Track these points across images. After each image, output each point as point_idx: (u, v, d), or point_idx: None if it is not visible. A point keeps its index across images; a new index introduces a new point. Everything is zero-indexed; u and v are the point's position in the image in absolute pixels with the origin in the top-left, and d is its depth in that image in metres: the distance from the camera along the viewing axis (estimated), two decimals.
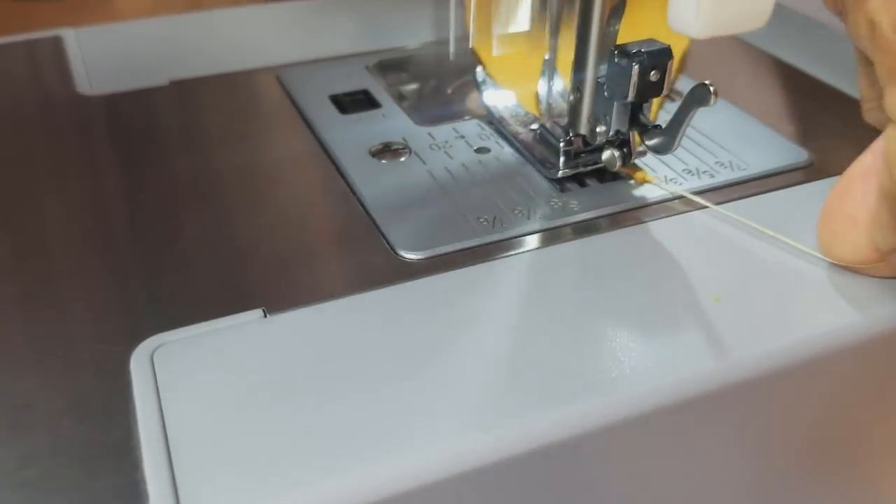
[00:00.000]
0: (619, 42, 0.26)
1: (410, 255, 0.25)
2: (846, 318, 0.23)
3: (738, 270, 0.24)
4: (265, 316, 0.23)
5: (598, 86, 0.26)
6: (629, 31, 0.26)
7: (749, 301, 0.23)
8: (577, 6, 0.26)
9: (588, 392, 0.20)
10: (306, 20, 0.42)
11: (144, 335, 0.22)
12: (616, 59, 0.25)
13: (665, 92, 0.25)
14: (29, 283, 0.25)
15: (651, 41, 0.25)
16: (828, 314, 0.23)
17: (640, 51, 0.24)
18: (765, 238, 0.25)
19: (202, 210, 0.28)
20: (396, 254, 0.25)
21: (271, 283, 0.24)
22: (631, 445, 0.21)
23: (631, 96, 0.25)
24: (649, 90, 0.25)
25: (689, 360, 0.21)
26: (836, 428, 0.24)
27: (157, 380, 0.21)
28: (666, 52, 0.24)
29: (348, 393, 0.20)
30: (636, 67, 0.24)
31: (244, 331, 0.22)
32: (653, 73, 0.24)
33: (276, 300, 0.23)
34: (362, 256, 0.25)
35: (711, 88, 0.23)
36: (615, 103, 0.26)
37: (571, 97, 0.27)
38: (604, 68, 0.26)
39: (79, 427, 0.20)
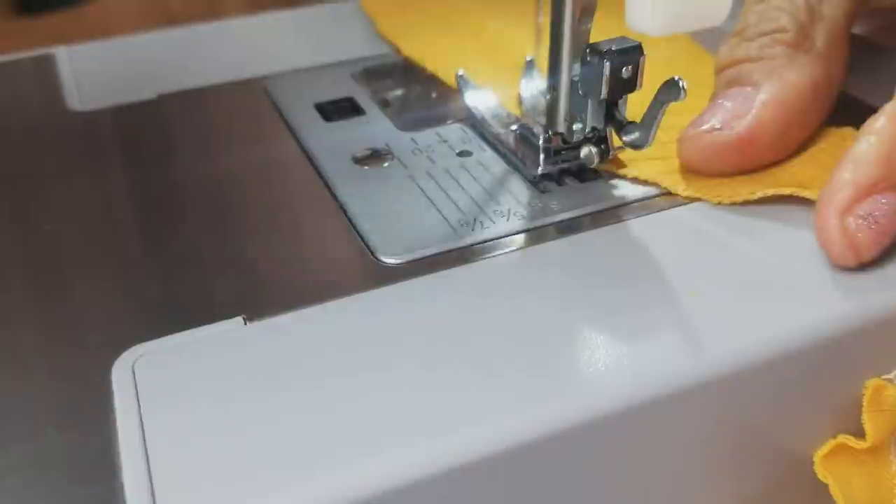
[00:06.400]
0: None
1: (390, 260, 0.25)
2: (823, 313, 0.23)
3: (717, 266, 0.24)
4: (246, 323, 0.23)
5: (573, 84, 0.26)
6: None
7: (726, 296, 0.23)
8: (547, 6, 0.26)
9: (564, 391, 0.20)
10: (293, 30, 0.42)
11: (126, 345, 0.23)
12: (588, 58, 0.25)
13: (639, 88, 0.25)
14: (11, 295, 0.25)
15: (623, 38, 0.25)
16: (805, 309, 0.23)
17: (612, 48, 0.24)
18: (743, 234, 0.25)
19: (185, 220, 0.28)
20: (377, 258, 0.25)
21: (252, 290, 0.25)
22: (608, 443, 0.21)
23: (604, 94, 0.25)
24: (622, 87, 0.25)
25: (664, 356, 0.21)
26: (816, 423, 0.24)
27: (138, 390, 0.21)
28: (637, 49, 0.24)
29: (329, 399, 0.20)
30: (607, 65, 0.24)
31: (225, 339, 0.23)
32: (624, 70, 0.25)
33: (256, 307, 0.24)
34: (343, 262, 0.26)
35: (681, 84, 0.23)
36: (590, 101, 0.26)
37: (548, 96, 0.27)
38: (578, 67, 0.26)
39: (61, 437, 0.21)
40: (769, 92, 0.26)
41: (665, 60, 0.34)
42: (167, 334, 0.23)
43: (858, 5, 0.29)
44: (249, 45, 0.41)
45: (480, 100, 0.32)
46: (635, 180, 0.28)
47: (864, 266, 0.24)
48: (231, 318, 0.23)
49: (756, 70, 0.27)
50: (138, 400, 0.21)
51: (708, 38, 0.37)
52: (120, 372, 0.22)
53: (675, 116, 0.26)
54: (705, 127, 0.27)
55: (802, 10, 0.28)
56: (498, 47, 0.38)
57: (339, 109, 0.34)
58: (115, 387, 0.21)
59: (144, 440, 0.20)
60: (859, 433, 0.24)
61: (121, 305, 0.24)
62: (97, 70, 0.39)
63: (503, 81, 0.32)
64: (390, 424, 0.20)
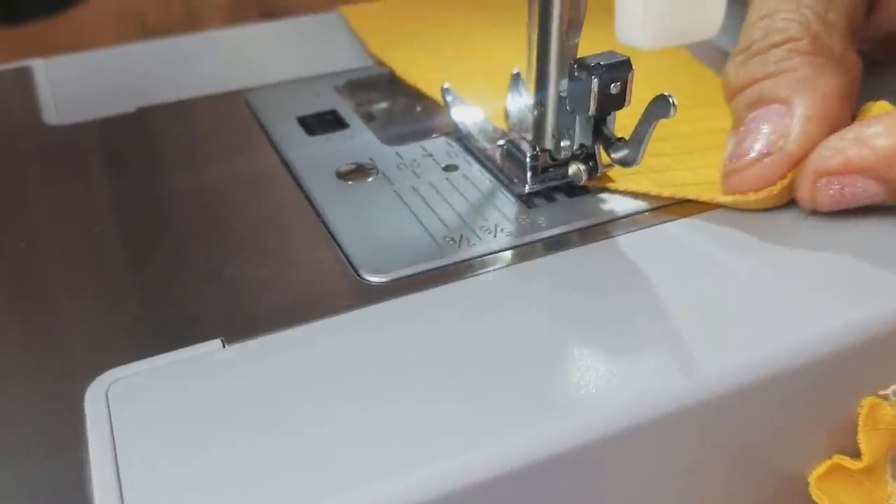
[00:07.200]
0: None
1: (375, 278, 0.25)
2: (817, 331, 0.22)
3: (707, 284, 0.24)
4: (224, 346, 0.22)
5: (560, 100, 0.26)
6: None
7: (718, 314, 0.23)
8: (536, 20, 0.25)
9: (555, 414, 0.20)
10: (276, 42, 0.42)
11: (100, 369, 0.22)
12: (576, 73, 0.24)
13: (627, 104, 0.25)
14: None
15: (611, 53, 0.24)
16: (798, 327, 0.22)
17: (599, 64, 0.24)
18: (734, 249, 0.25)
19: (163, 238, 0.27)
20: (361, 277, 0.25)
21: (232, 311, 0.24)
22: (600, 466, 0.21)
23: (592, 110, 0.24)
24: (610, 103, 0.25)
25: (656, 377, 0.21)
26: (810, 443, 0.23)
27: (112, 416, 0.20)
28: (625, 65, 0.24)
29: (311, 425, 0.20)
30: (595, 81, 0.24)
31: (203, 362, 0.22)
32: (613, 85, 0.24)
33: (236, 328, 0.23)
34: (326, 280, 0.25)
35: (671, 100, 0.23)
36: (577, 117, 0.25)
37: (535, 112, 0.27)
38: (565, 82, 0.25)
39: (32, 465, 0.20)
40: (807, 105, 0.25)
41: (665, 76, 0.34)
42: (143, 357, 0.22)
43: (858, 17, 0.28)
44: (231, 58, 0.40)
45: (466, 114, 0.31)
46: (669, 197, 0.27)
47: (856, 282, 0.23)
48: (209, 340, 0.22)
49: (780, 85, 0.26)
50: (111, 427, 0.20)
51: (699, 51, 0.37)
52: (93, 398, 0.21)
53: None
54: (753, 155, 0.25)
55: (812, 19, 0.27)
56: (485, 60, 0.37)
57: (323, 123, 0.34)
58: (87, 413, 0.21)
59: (118, 469, 0.19)
60: (855, 453, 0.23)
61: (96, 327, 0.24)
62: (75, 83, 0.38)
63: (490, 95, 0.31)
64: (374, 452, 0.19)
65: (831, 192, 0.25)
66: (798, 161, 0.25)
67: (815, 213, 0.26)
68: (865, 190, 0.24)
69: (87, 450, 0.20)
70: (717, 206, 0.27)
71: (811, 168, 0.25)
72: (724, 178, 0.26)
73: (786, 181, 0.25)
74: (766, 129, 0.26)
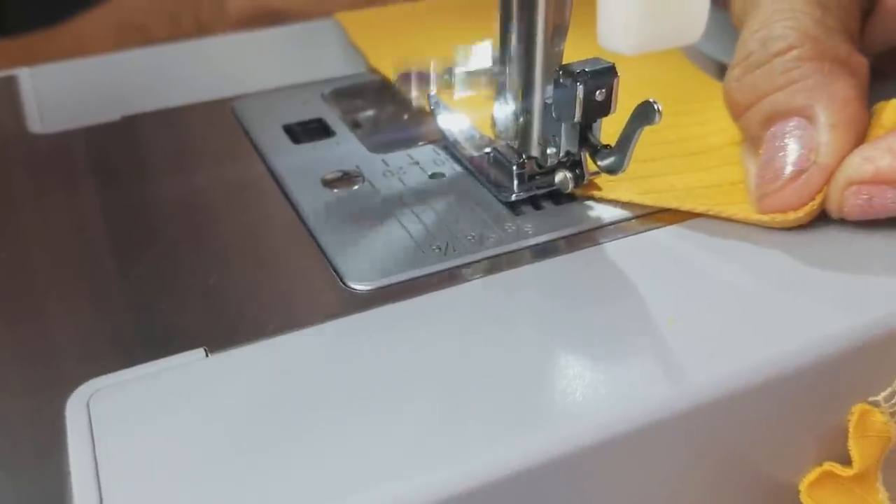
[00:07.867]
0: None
1: (360, 286, 0.24)
2: (805, 338, 0.22)
3: (695, 291, 0.24)
4: (207, 355, 0.22)
5: (546, 107, 0.26)
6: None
7: (705, 323, 0.22)
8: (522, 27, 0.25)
9: (541, 423, 0.20)
10: (264, 49, 0.41)
11: (81, 380, 0.21)
12: (560, 80, 0.24)
13: (613, 111, 0.25)
14: None
15: (596, 60, 0.24)
16: (784, 335, 0.22)
17: (584, 70, 0.24)
18: (722, 256, 0.25)
19: (146, 247, 0.27)
20: (346, 285, 0.25)
21: (215, 320, 0.24)
22: (587, 475, 0.20)
23: (577, 117, 0.24)
24: (596, 110, 0.24)
25: (644, 385, 0.21)
26: (801, 450, 0.23)
27: (93, 427, 0.20)
28: (611, 71, 0.24)
29: (295, 436, 0.20)
30: (581, 88, 0.24)
31: (185, 372, 0.22)
32: (598, 92, 0.24)
33: (219, 338, 0.23)
34: (310, 289, 0.25)
35: (656, 106, 0.22)
36: (563, 124, 0.25)
37: (521, 119, 0.27)
38: (550, 89, 0.25)
39: (10, 480, 0.19)
40: (828, 113, 0.25)
41: (665, 83, 0.34)
42: (125, 367, 0.22)
43: (854, 24, 0.28)
44: (218, 65, 0.40)
45: (453, 122, 0.31)
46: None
47: (846, 290, 0.23)
48: (192, 349, 0.22)
49: (794, 96, 0.25)
50: (93, 438, 0.20)
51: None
52: (74, 408, 0.21)
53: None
54: (787, 175, 0.25)
55: (810, 24, 0.26)
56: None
57: (309, 131, 0.34)
58: (68, 424, 0.20)
59: (98, 481, 0.19)
60: (845, 460, 0.23)
61: (76, 336, 0.23)
62: (60, 92, 0.38)
63: (483, 102, 0.31)
64: (359, 463, 0.19)
65: (859, 201, 0.24)
66: (832, 172, 0.25)
67: (812, 221, 0.25)
68: (895, 201, 0.24)
69: (68, 461, 0.19)
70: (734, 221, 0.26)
71: (842, 176, 0.24)
72: (759, 200, 0.25)
73: (823, 194, 0.25)
74: (792, 144, 0.25)
